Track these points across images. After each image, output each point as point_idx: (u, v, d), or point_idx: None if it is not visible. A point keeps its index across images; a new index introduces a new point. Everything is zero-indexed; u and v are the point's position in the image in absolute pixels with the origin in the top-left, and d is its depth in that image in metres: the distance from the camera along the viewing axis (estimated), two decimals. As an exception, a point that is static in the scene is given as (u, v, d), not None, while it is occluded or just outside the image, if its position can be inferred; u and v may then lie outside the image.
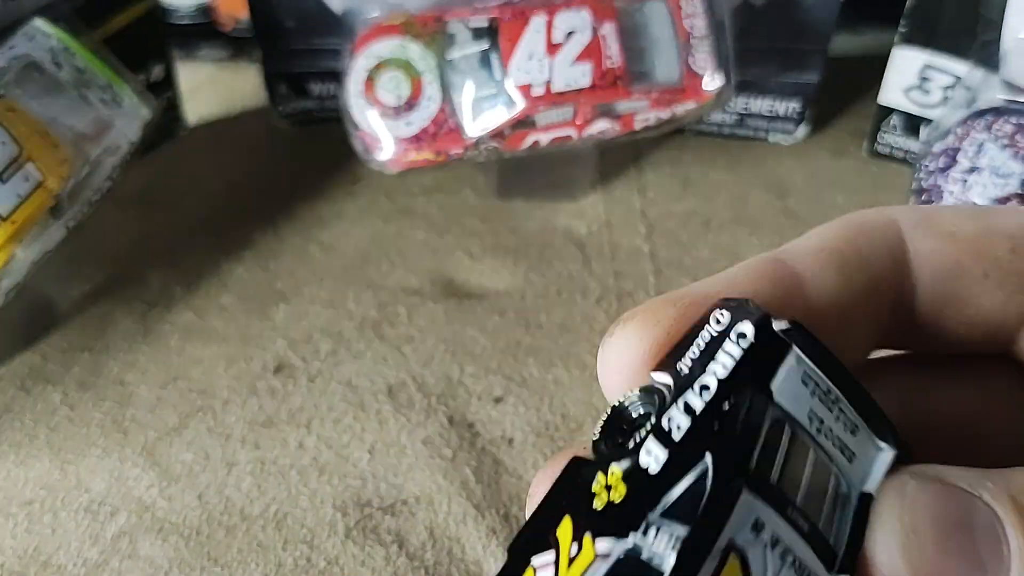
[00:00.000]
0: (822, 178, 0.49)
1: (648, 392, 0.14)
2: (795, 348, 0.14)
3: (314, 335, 0.40)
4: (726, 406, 0.13)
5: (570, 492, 0.13)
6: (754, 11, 0.47)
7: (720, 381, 0.13)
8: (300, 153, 0.51)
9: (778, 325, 0.14)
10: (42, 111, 0.37)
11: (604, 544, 0.12)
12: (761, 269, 0.17)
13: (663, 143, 0.51)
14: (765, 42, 0.48)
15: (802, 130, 0.51)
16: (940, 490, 0.14)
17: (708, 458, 0.13)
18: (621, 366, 0.16)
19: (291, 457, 0.34)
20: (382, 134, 0.42)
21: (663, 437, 0.13)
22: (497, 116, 0.41)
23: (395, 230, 0.46)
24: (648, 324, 0.16)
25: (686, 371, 0.14)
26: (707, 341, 0.14)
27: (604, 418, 0.14)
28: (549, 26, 0.40)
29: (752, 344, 0.14)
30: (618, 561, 0.12)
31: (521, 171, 0.47)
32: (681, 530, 0.12)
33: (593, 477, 0.13)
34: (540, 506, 0.13)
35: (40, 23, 0.38)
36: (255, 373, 0.38)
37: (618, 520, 0.12)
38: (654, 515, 0.12)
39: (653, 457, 0.13)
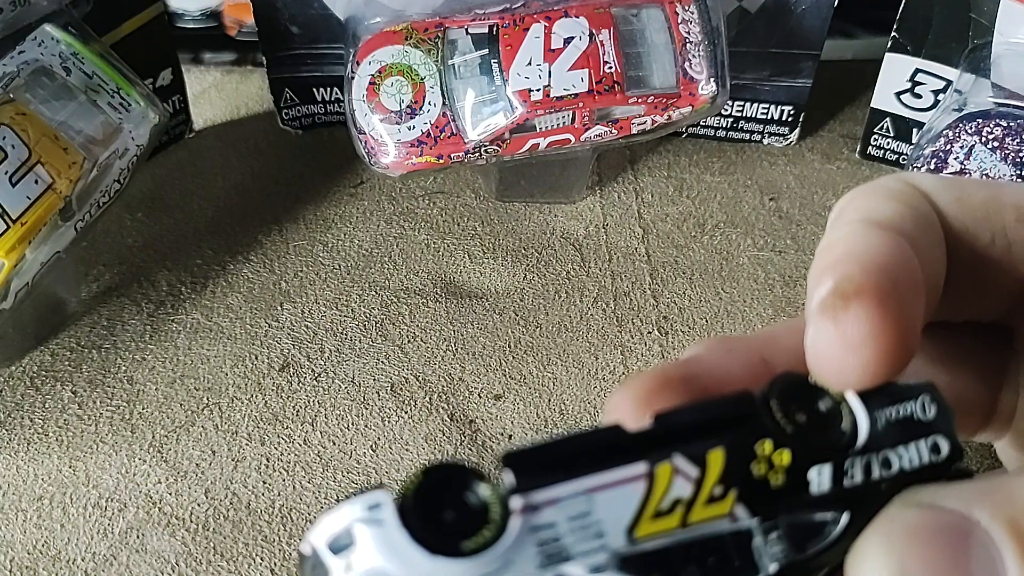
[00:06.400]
0: (815, 180, 0.49)
1: (836, 400, 0.15)
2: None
3: (319, 334, 0.40)
4: (883, 487, 0.14)
5: (736, 426, 0.14)
6: (748, 17, 0.48)
7: (902, 471, 0.15)
8: (305, 157, 0.52)
9: (959, 464, 0.15)
10: (52, 115, 0.38)
11: (741, 511, 0.14)
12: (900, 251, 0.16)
13: (659, 146, 0.52)
14: (759, 47, 0.49)
15: (795, 133, 0.52)
16: (932, 522, 0.13)
17: (846, 517, 0.14)
18: (854, 340, 0.15)
19: (296, 453, 0.35)
20: (385, 138, 0.42)
21: (837, 474, 0.14)
22: (497, 121, 0.41)
23: (397, 232, 0.46)
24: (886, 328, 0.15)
25: (882, 424, 0.15)
26: (911, 418, 0.15)
27: (786, 379, 0.15)
28: (548, 33, 0.41)
29: (941, 462, 0.15)
30: (739, 532, 0.14)
31: (520, 174, 0.47)
32: (791, 552, 0.14)
33: (762, 435, 0.14)
34: (708, 405, 0.14)
35: (49, 29, 0.39)
36: (261, 371, 0.38)
37: (762, 501, 0.14)
38: (783, 520, 0.14)
39: (818, 483, 0.14)
